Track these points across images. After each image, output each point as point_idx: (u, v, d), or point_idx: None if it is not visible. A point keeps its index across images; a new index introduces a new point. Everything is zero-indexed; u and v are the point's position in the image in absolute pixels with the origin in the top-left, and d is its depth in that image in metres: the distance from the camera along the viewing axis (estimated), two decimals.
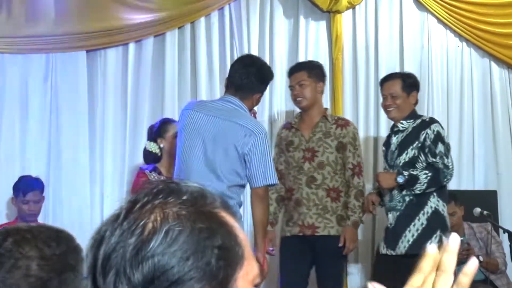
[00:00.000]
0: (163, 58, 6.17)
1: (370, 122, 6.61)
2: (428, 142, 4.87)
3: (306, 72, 5.17)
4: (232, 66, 4.63)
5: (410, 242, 4.88)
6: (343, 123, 5.20)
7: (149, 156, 4.98)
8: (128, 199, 1.14)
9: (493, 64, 6.98)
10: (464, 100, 6.89)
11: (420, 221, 4.85)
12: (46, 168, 5.83)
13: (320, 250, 4.95)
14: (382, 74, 6.43)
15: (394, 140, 5.01)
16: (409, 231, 4.90)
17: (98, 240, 1.10)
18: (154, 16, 6.15)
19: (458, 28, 6.82)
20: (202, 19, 6.32)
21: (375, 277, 5.25)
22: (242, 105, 4.36)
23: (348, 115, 6.48)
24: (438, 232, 4.82)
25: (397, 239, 4.94)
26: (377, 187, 5.22)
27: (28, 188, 5.32)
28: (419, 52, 6.80)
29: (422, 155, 4.90)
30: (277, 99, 6.42)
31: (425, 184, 4.80)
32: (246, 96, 4.39)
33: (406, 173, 4.86)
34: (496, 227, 5.77)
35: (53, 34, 5.91)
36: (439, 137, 4.88)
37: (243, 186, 4.34)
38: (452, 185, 6.37)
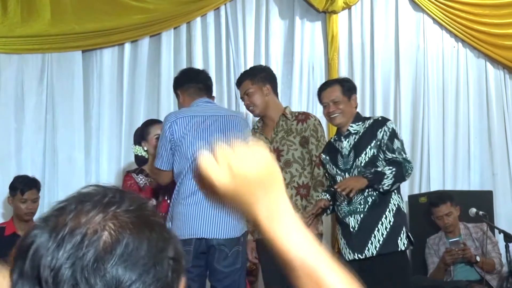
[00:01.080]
0: (158, 58, 6.18)
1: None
2: (385, 140, 4.85)
3: (249, 80, 5.14)
4: (187, 79, 4.65)
5: (381, 242, 4.84)
6: (303, 118, 5.14)
7: (138, 160, 5.00)
8: (60, 206, 1.10)
9: (489, 65, 7.04)
10: (460, 100, 6.94)
11: (387, 219, 4.82)
12: (42, 168, 5.82)
13: None
14: (378, 75, 6.77)
15: (346, 144, 4.96)
16: (378, 231, 4.86)
17: (35, 249, 1.05)
18: (149, 17, 6.15)
19: (454, 29, 6.87)
20: (198, 19, 6.34)
21: None
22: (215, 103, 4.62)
23: None
24: (404, 229, 4.85)
25: (365, 242, 4.90)
26: (325, 191, 5.14)
27: (26, 187, 5.30)
28: (415, 52, 6.84)
29: (381, 153, 4.88)
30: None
31: (392, 179, 4.78)
32: (210, 95, 4.57)
33: (370, 170, 4.86)
34: (492, 227, 5.80)
35: (48, 34, 5.91)
36: (394, 134, 4.88)
37: None
38: (448, 186, 6.48)
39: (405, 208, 5.03)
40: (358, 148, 4.90)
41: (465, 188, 6.55)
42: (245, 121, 4.46)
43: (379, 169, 4.84)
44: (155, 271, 1.05)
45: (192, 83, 4.61)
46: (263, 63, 6.35)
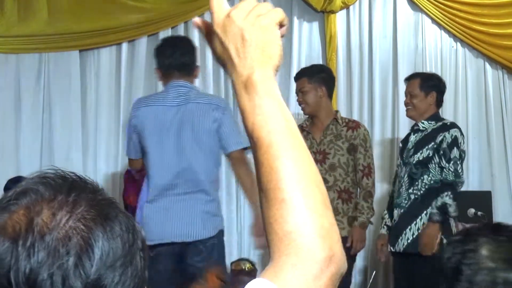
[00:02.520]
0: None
1: (364, 122, 6.46)
2: (444, 145, 4.88)
3: (307, 78, 5.16)
4: (161, 53, 4.50)
5: (409, 241, 4.89)
6: (353, 125, 5.20)
7: None
8: (6, 205, 1.04)
9: (487, 65, 6.99)
10: (458, 100, 6.92)
11: (421, 221, 4.86)
12: (39, 168, 5.57)
13: None
14: (376, 75, 6.75)
15: (412, 138, 5.05)
16: (410, 229, 4.91)
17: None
18: (147, 16, 6.19)
19: (452, 29, 6.83)
20: (196, 19, 6.25)
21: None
22: (192, 85, 4.37)
23: (342, 111, 6.41)
24: (439, 235, 4.84)
25: (398, 236, 4.97)
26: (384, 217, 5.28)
27: None
28: (413, 52, 6.83)
29: (436, 157, 4.90)
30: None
31: (453, 204, 4.81)
32: (190, 73, 4.38)
33: (434, 211, 4.83)
34: None
35: (45, 33, 5.96)
36: (455, 142, 4.89)
37: (218, 166, 4.33)
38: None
39: None
40: (418, 145, 4.98)
41: (463, 188, 6.42)
42: (216, 106, 4.27)
43: (439, 202, 4.82)
44: (132, 268, 1.05)
45: (166, 60, 4.44)
46: None
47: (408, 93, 5.10)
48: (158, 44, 4.85)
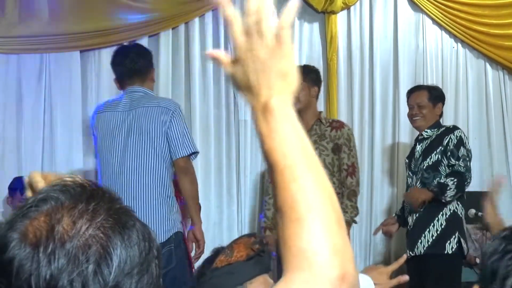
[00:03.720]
0: (157, 59, 6.03)
1: (365, 123, 6.72)
2: (451, 146, 4.96)
3: (301, 75, 5.05)
4: (113, 62, 4.60)
5: (429, 243, 4.96)
6: (337, 125, 5.24)
7: None
8: (28, 212, 1.07)
9: (488, 66, 7.06)
10: (459, 101, 6.98)
11: (439, 222, 4.94)
12: (40, 167, 5.76)
13: None
14: (377, 75, 6.80)
15: (418, 148, 5.15)
16: (429, 231, 4.98)
17: (18, 266, 1.02)
18: (148, 16, 6.19)
19: (453, 29, 6.89)
20: (196, 19, 6.36)
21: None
22: (146, 90, 4.42)
23: (342, 115, 6.60)
24: (457, 234, 4.93)
25: (416, 240, 5.03)
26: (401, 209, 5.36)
27: (23, 186, 5.29)
28: (414, 52, 6.88)
29: (445, 159, 4.98)
30: None
31: (455, 190, 4.88)
32: (143, 78, 4.44)
33: (434, 183, 4.96)
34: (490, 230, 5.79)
35: (46, 34, 5.93)
36: (461, 142, 4.99)
37: (169, 183, 4.35)
38: None
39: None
40: (426, 152, 5.09)
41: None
42: (165, 109, 4.32)
43: (442, 180, 4.95)
44: (147, 275, 1.08)
45: (118, 68, 4.54)
46: None
47: (415, 105, 5.15)
48: (113, 54, 4.93)
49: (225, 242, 4.83)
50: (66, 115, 6.04)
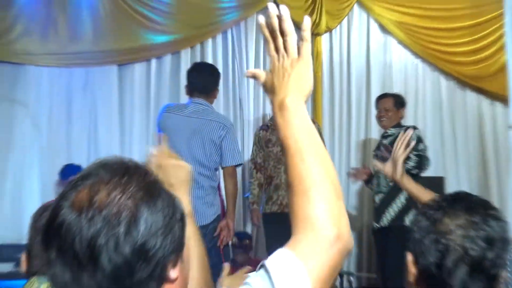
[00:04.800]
0: (178, 72, 6.25)
1: (343, 122, 6.77)
2: (412, 143, 4.95)
3: None
4: (189, 75, 4.64)
5: (392, 217, 5.06)
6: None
7: None
8: (77, 185, 1.08)
9: (442, 77, 7.12)
10: (419, 106, 7.04)
11: (400, 200, 5.04)
12: (86, 159, 5.83)
13: None
14: (353, 85, 6.86)
15: (385, 142, 5.18)
16: (391, 208, 5.08)
17: (66, 228, 1.04)
18: (171, 38, 6.30)
19: (414, 48, 6.96)
20: (210, 40, 6.44)
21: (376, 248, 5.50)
22: (209, 104, 4.48)
23: (326, 116, 6.70)
24: (414, 211, 4.68)
25: (381, 215, 5.12)
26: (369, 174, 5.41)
27: (72, 172, 5.18)
28: (382, 67, 6.94)
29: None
30: (269, 106, 6.17)
31: (415, 164, 4.93)
32: (209, 95, 4.52)
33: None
34: None
35: (90, 51, 6.03)
36: (420, 139, 5.07)
37: (217, 169, 4.47)
38: None
39: None
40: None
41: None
42: (222, 125, 4.40)
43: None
44: (171, 235, 1.08)
45: (192, 81, 4.58)
46: (257, 86, 6.37)
47: (383, 108, 5.25)
48: (190, 66, 5.03)
49: None
50: (106, 118, 6.14)
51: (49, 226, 1.06)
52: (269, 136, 5.47)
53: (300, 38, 1.29)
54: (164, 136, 1.74)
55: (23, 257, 1.79)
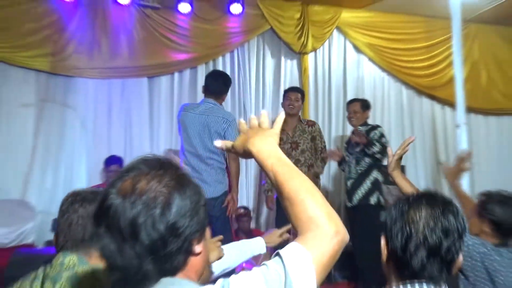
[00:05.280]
0: (195, 83, 6.25)
1: (325, 122, 6.78)
2: (376, 137, 4.95)
3: (300, 93, 5.26)
4: (206, 78, 4.58)
5: (360, 197, 5.03)
6: (311, 123, 5.27)
7: None
8: (124, 176, 1.08)
9: (403, 87, 7.18)
10: (385, 110, 7.10)
11: (366, 184, 5.00)
12: (123, 152, 5.87)
13: None
14: (333, 95, 6.85)
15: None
16: (360, 190, 5.03)
17: (114, 210, 1.03)
18: (189, 56, 6.28)
19: (381, 64, 7.03)
20: (220, 58, 6.43)
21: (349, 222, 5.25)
22: (217, 103, 4.41)
23: (311, 118, 6.37)
24: (377, 192, 4.98)
25: (352, 195, 5.09)
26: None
27: (113, 162, 5.48)
28: (356, 79, 6.96)
29: (369, 146, 4.93)
30: (268, 110, 6.45)
31: (379, 148, 4.86)
32: (219, 97, 4.46)
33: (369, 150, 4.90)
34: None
35: (126, 66, 6.04)
36: (382, 135, 5.04)
37: (224, 154, 4.36)
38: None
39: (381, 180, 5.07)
40: (359, 143, 5.01)
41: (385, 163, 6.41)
42: (226, 119, 4.31)
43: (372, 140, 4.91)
44: (197, 217, 1.08)
45: (207, 84, 4.52)
46: (260, 89, 6.55)
47: (352, 111, 5.19)
48: (209, 72, 4.97)
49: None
50: (138, 120, 6.10)
51: (100, 208, 1.06)
52: (280, 135, 5.35)
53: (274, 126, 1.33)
54: None
55: (54, 235, 1.72)
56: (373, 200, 4.99)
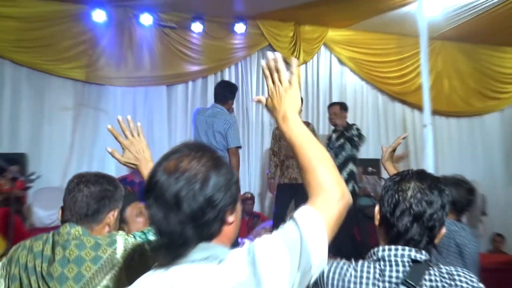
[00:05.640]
0: (206, 90, 6.27)
1: (314, 124, 6.54)
2: (352, 133, 4.93)
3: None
4: (215, 87, 4.59)
5: None
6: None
7: None
8: (170, 156, 1.05)
9: (379, 93, 7.18)
10: (364, 113, 7.09)
11: (343, 175, 4.86)
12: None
13: (298, 191, 4.80)
14: (321, 101, 6.82)
15: (334, 136, 5.10)
16: None
17: (160, 184, 1.01)
18: (201, 67, 6.28)
19: (361, 74, 7.01)
20: (227, 69, 6.46)
21: None
22: (223, 108, 4.39)
23: (303, 119, 6.62)
24: (352, 183, 4.90)
25: None
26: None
27: None
28: (339, 87, 6.97)
29: (347, 142, 4.94)
30: (264, 113, 6.44)
31: (357, 135, 4.85)
32: (225, 103, 4.43)
33: (342, 153, 4.87)
34: (380, 177, 6.02)
35: (148, 76, 6.05)
36: (358, 129, 5.01)
37: (227, 150, 4.30)
38: (363, 155, 6.38)
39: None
40: (338, 138, 5.03)
41: (365, 157, 6.49)
42: (227, 121, 4.30)
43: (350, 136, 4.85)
44: (230, 192, 1.05)
45: (215, 90, 4.54)
46: (260, 95, 5.92)
47: (333, 113, 5.14)
48: (219, 81, 5.03)
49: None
50: (158, 120, 6.10)
51: (149, 183, 1.04)
52: (278, 132, 5.21)
53: (290, 72, 1.27)
54: (139, 126, 1.66)
55: (60, 209, 1.65)
56: (349, 188, 4.78)
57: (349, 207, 1.10)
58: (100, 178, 1.63)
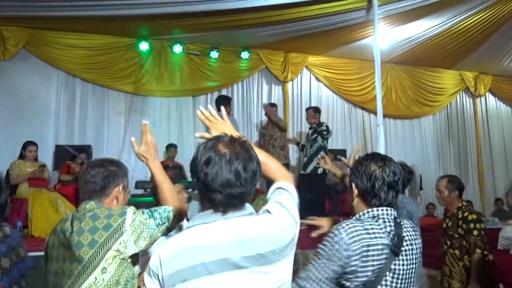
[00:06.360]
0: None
1: (297, 125, 6.67)
2: (321, 129, 4.88)
3: (275, 107, 5.25)
4: (216, 99, 4.58)
5: (311, 167, 4.86)
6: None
7: None
8: (214, 143, 1.02)
9: (345, 102, 7.10)
10: (334, 118, 7.01)
11: (315, 161, 4.80)
12: (177, 143, 5.67)
13: None
14: (303, 108, 6.51)
15: (310, 131, 5.09)
16: (311, 164, 4.86)
17: (210, 164, 0.99)
18: (215, 83, 6.24)
19: (333, 88, 6.97)
20: (235, 85, 6.46)
21: (300, 187, 4.75)
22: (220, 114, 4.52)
23: (290, 123, 6.57)
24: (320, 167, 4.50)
25: (307, 166, 4.91)
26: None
27: (170, 147, 5.46)
28: (317, 98, 6.91)
29: (320, 136, 4.89)
30: (264, 118, 6.03)
31: (325, 131, 4.79)
32: (225, 108, 4.53)
33: (315, 144, 4.79)
34: (347, 165, 5.85)
35: (179, 89, 6.03)
36: (327, 127, 4.93)
37: None
38: (333, 146, 6.53)
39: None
40: (313, 134, 4.97)
41: (335, 147, 6.47)
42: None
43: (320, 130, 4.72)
44: (258, 173, 1.04)
45: (216, 101, 4.47)
46: (260, 105, 6.39)
47: (309, 114, 5.05)
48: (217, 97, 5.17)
49: None
50: (187, 122, 6.01)
51: (207, 159, 1.01)
52: (263, 131, 5.45)
53: (221, 115, 1.29)
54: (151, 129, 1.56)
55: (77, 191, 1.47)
56: (319, 171, 4.84)
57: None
58: (104, 162, 1.53)
